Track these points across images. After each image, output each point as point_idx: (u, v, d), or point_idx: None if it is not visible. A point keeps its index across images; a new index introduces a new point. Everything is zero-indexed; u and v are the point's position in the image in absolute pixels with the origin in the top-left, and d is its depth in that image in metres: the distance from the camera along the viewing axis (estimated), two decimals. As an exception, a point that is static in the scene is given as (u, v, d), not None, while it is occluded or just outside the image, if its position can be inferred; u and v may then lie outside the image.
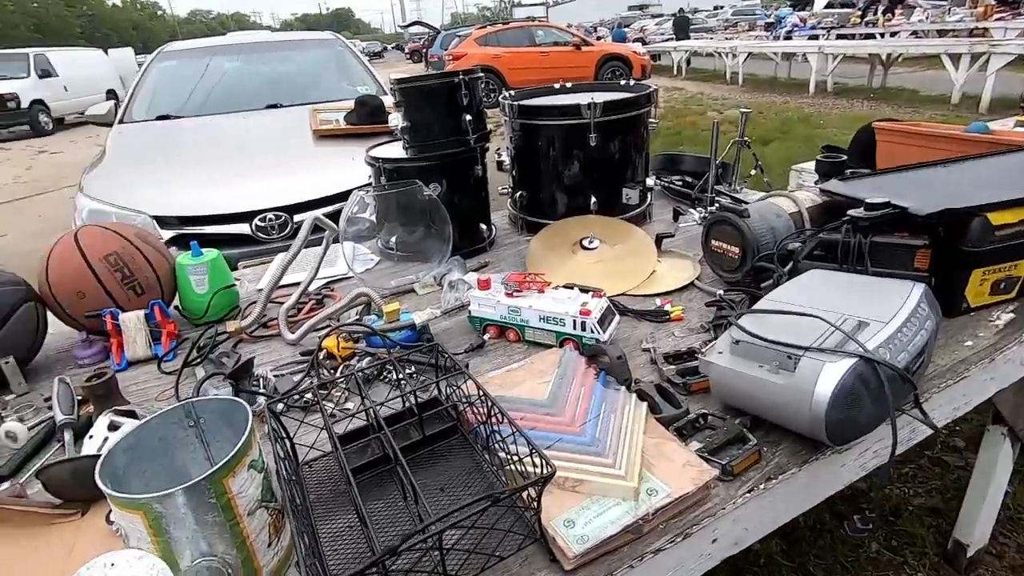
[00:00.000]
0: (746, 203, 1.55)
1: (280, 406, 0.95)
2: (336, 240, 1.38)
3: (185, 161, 2.80)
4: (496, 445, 0.74)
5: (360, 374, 0.92)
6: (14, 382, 1.09)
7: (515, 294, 1.11)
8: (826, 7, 19.55)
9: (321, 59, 4.14)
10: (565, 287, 1.18)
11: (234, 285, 1.34)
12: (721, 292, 1.18)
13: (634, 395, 0.87)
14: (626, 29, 22.12)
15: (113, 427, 0.92)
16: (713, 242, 1.27)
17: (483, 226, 1.57)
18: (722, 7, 36.83)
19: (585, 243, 1.41)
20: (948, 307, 1.06)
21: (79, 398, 0.98)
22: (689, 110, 9.26)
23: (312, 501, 0.74)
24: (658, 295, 1.26)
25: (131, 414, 0.95)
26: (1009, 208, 0.99)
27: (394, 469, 0.80)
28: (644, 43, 17.09)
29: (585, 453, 0.74)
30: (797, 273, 1.05)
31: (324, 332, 1.14)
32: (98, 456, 0.61)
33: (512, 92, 1.70)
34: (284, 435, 0.75)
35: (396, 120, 1.44)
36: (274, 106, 3.45)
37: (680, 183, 1.90)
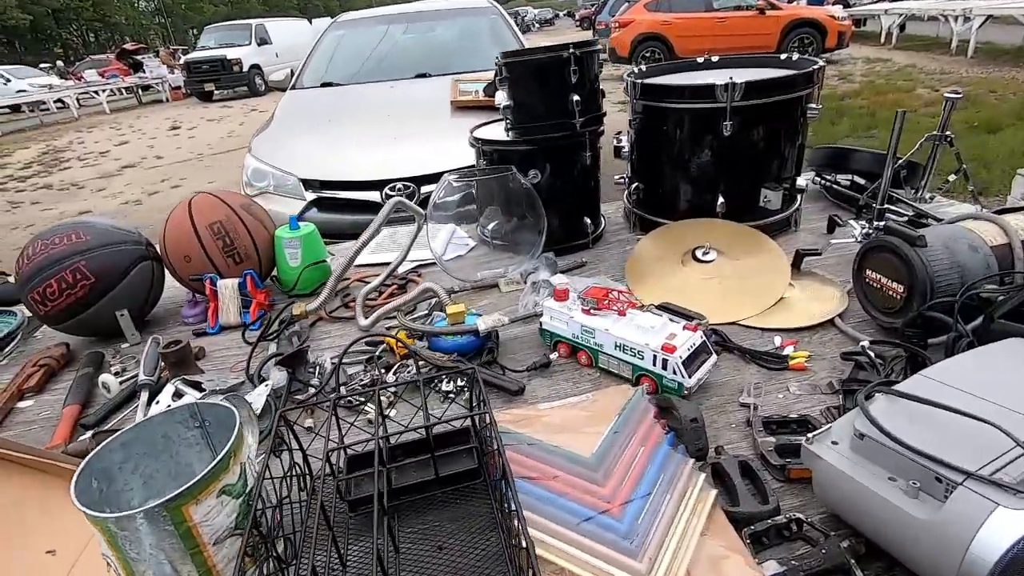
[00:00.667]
0: (933, 220, 1.19)
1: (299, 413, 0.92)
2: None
3: (334, 128, 2.97)
4: (509, 507, 0.61)
5: (390, 390, 0.84)
6: (127, 333, 1.20)
7: (592, 312, 0.95)
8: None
9: (476, 28, 4.13)
10: (660, 308, 0.98)
11: (325, 261, 1.34)
12: (866, 342, 0.90)
13: (704, 473, 0.68)
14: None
15: (178, 395, 0.96)
16: (868, 272, 0.97)
17: (587, 220, 1.40)
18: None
19: (699, 253, 1.18)
20: None
21: (161, 364, 1.04)
22: (892, 86, 7.82)
23: (308, 526, 0.68)
24: (780, 331, 1.00)
25: (196, 385, 0.98)
26: None
27: (403, 504, 0.71)
28: (847, 5, 14.77)
29: (615, 548, 0.58)
30: (989, 338, 0.74)
31: (388, 325, 1.09)
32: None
33: (641, 67, 1.47)
34: (291, 447, 0.70)
35: (502, 98, 1.31)
36: (423, 75, 3.52)
37: (848, 185, 1.53)
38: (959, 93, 1.28)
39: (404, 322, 1.07)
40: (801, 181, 1.36)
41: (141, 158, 8.53)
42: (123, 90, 16.46)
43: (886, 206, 1.33)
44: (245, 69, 14.56)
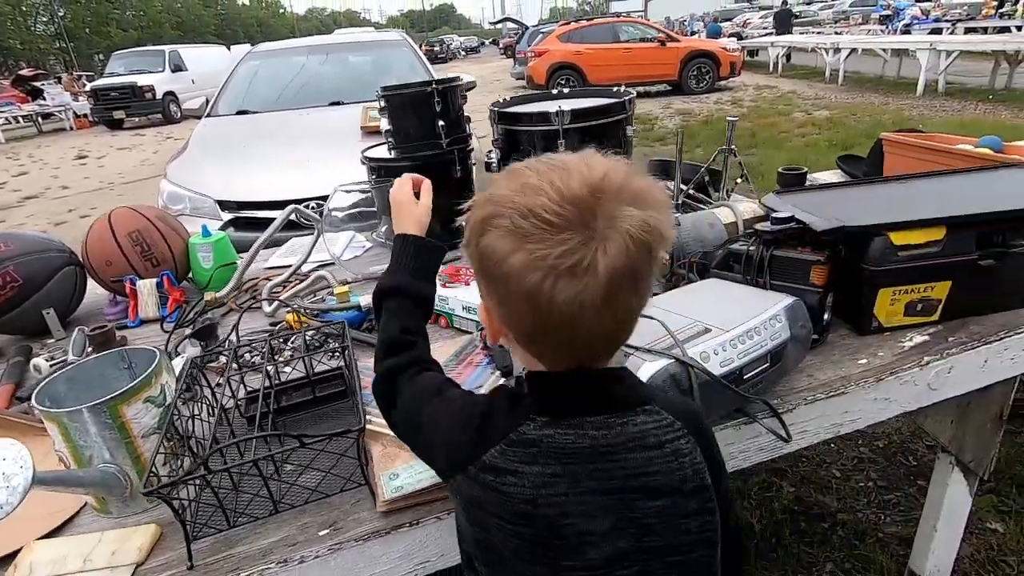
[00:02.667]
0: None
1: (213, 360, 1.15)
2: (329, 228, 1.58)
3: (250, 152, 3.15)
4: (363, 407, 0.88)
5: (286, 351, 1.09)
6: (53, 329, 1.36)
7: (447, 285, 1.24)
8: (957, -3, 17.70)
9: (387, 59, 4.42)
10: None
11: (235, 263, 1.56)
12: (642, 296, 1.24)
13: (504, 379, 0.97)
14: (723, 24, 21.14)
15: (105, 369, 1.16)
16: (652, 248, 1.32)
17: (462, 223, 1.70)
18: (839, -2, 34.25)
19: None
20: (857, 324, 1.07)
21: (89, 347, 1.23)
22: (774, 110, 8.78)
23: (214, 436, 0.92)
24: (593, 295, 1.33)
25: (121, 360, 1.18)
26: (915, 228, 0.97)
27: (289, 420, 0.96)
28: (740, 38, 16.31)
29: (432, 422, 0.86)
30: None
31: (287, 309, 1.34)
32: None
33: (506, 98, 1.80)
34: (200, 384, 0.93)
35: (384, 124, 1.60)
36: (337, 103, 3.76)
37: (671, 189, 1.92)
38: (736, 117, 1.69)
39: (302, 304, 1.32)
40: (629, 186, 1.71)
41: (45, 188, 8.15)
42: (20, 118, 15.50)
43: (680, 201, 1.71)
44: (159, 96, 14.14)
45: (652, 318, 0.88)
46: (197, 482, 0.71)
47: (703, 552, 0.57)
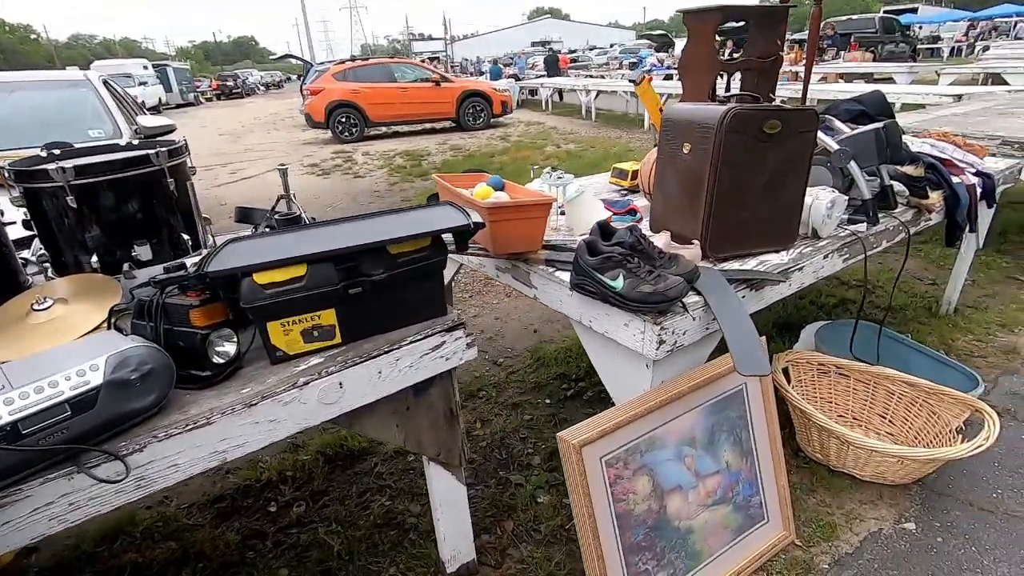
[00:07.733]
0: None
1: None
2: None
3: None
4: None
5: None
6: None
7: None
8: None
9: (66, 100, 4.00)
10: None
11: None
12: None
13: None
14: (505, 66, 23.08)
15: None
16: (132, 300, 1.34)
17: (-18, 287, 1.57)
18: (616, 44, 39.67)
19: (35, 306, 1.44)
20: (271, 357, 1.19)
21: None
22: (532, 144, 9.74)
23: None
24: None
25: None
26: (274, 268, 1.12)
27: None
28: (518, 79, 17.88)
29: None
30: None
31: None
32: None
33: (43, 154, 1.72)
34: None
35: None
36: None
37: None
38: (286, 166, 1.83)
39: None
40: (187, 237, 1.74)
41: None
42: None
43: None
44: None
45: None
46: None
47: None
